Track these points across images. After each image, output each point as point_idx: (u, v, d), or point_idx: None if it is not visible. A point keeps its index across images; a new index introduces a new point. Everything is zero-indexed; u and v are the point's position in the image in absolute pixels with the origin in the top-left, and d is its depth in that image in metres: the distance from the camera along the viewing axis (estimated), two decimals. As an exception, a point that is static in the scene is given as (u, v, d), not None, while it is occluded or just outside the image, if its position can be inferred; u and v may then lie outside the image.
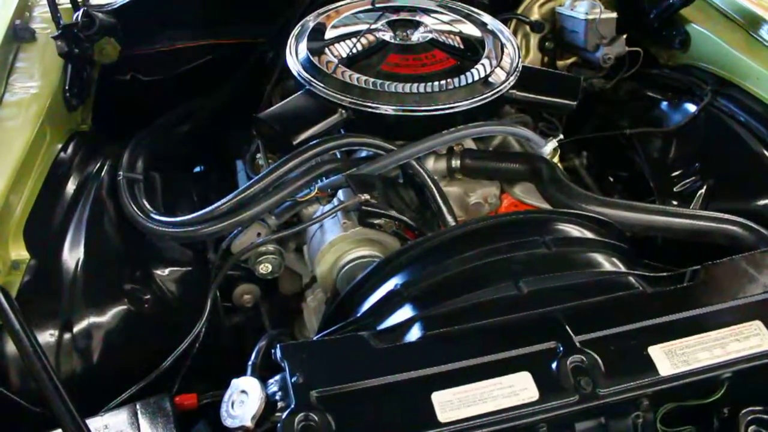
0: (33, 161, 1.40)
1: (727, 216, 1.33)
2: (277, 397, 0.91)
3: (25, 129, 1.41)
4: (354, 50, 1.52)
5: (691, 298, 1.05)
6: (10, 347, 1.15)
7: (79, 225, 1.41)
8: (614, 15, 1.84)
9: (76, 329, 1.29)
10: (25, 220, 1.32)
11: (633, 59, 1.88)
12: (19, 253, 1.28)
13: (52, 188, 1.42)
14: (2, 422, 1.16)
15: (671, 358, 0.95)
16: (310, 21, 1.64)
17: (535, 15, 1.99)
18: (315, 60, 1.49)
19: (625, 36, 1.85)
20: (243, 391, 0.92)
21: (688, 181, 1.66)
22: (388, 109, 1.41)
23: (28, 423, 1.12)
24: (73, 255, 1.36)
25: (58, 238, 1.37)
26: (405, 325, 1.01)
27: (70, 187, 1.46)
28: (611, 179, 1.86)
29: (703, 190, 1.60)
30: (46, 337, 1.25)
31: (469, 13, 1.70)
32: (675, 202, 1.64)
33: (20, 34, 1.66)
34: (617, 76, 1.91)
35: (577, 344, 0.94)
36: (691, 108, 1.74)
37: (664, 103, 1.83)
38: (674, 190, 1.66)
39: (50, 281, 1.31)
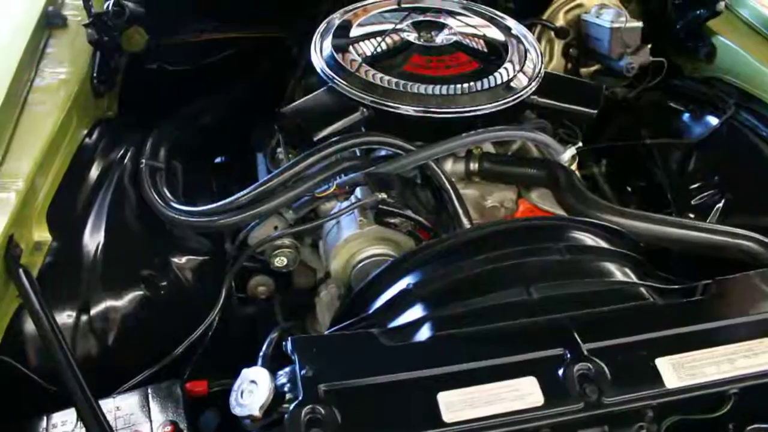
0: (59, 146, 1.43)
1: (743, 231, 1.32)
2: (286, 389, 0.93)
3: (52, 114, 1.44)
4: (378, 49, 1.53)
5: (701, 311, 1.05)
6: (30, 326, 1.18)
7: (101, 210, 1.43)
8: (639, 24, 1.83)
9: (93, 311, 1.31)
10: (49, 203, 1.34)
11: (657, 69, 1.88)
12: (42, 234, 1.31)
13: (76, 173, 1.44)
14: (19, 398, 1.19)
15: (678, 371, 0.95)
16: (336, 18, 1.65)
17: (560, 21, 1.99)
18: (339, 57, 1.51)
19: (649, 46, 1.84)
20: (252, 381, 0.94)
21: (706, 194, 1.66)
22: (409, 110, 1.42)
23: (43, 400, 1.14)
24: (93, 239, 1.39)
25: (80, 222, 1.40)
26: (415, 325, 1.02)
27: (94, 172, 1.49)
28: (629, 189, 1.85)
29: (721, 204, 1.60)
30: (64, 317, 1.27)
31: (494, 17, 1.71)
32: (692, 215, 1.63)
33: (52, 20, 1.69)
34: (640, 85, 1.90)
35: (585, 352, 0.94)
36: (714, 121, 1.73)
37: (686, 115, 1.82)
38: (692, 202, 1.66)
39: (70, 264, 1.34)
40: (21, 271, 1.17)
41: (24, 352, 1.20)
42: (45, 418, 1.12)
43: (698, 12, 1.87)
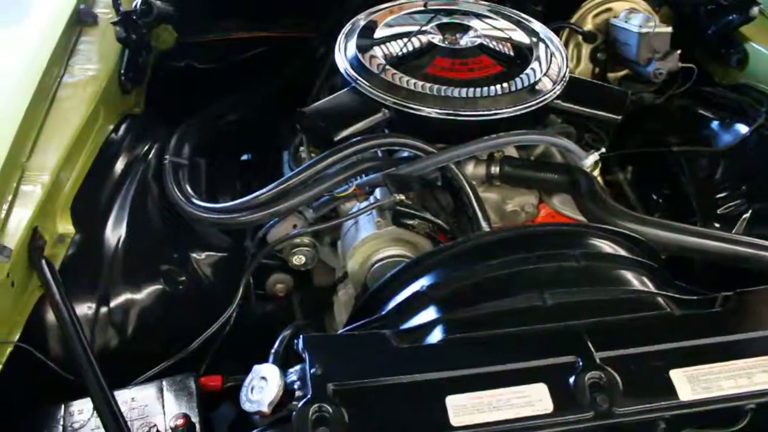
0: (85, 140, 1.45)
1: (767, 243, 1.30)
2: (296, 387, 0.93)
3: (80, 109, 1.46)
4: (402, 51, 1.53)
5: (720, 324, 1.03)
6: (51, 316, 1.20)
7: (124, 204, 1.45)
8: (669, 29, 1.81)
9: (112, 304, 1.34)
10: (74, 196, 1.37)
11: (686, 75, 1.85)
12: (66, 227, 1.33)
13: (101, 167, 1.47)
14: (39, 386, 1.21)
15: (693, 384, 0.93)
16: (361, 19, 1.66)
17: (588, 25, 1.97)
18: (362, 58, 1.51)
19: (679, 51, 1.81)
20: (263, 378, 0.95)
21: (733, 204, 1.63)
22: (431, 112, 1.42)
23: (62, 389, 1.16)
24: (115, 233, 1.41)
25: (103, 216, 1.42)
26: (427, 327, 1.02)
27: (118, 167, 1.51)
28: (654, 197, 1.82)
29: (747, 215, 1.57)
30: (84, 309, 1.30)
31: (521, 20, 1.70)
32: (717, 225, 1.61)
33: (84, 17, 1.72)
34: (669, 91, 1.88)
35: (597, 360, 0.93)
36: (743, 129, 1.70)
37: (715, 123, 1.79)
38: (718, 212, 1.63)
39: (92, 256, 1.36)
40: (44, 262, 1.20)
41: (45, 341, 1.22)
42: (63, 406, 1.14)
43: (731, 17, 1.83)
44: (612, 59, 1.97)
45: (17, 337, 1.15)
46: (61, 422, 1.11)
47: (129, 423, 1.05)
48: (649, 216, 1.43)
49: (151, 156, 1.58)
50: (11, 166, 1.26)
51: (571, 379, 0.91)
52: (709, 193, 1.67)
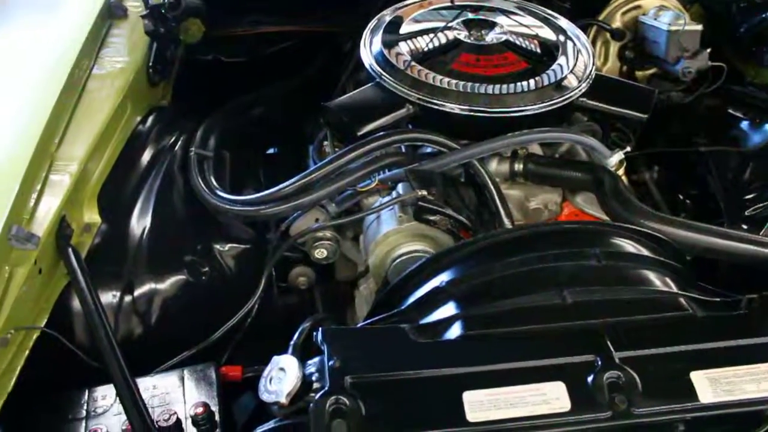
0: (113, 132, 1.47)
1: None
2: (314, 378, 0.94)
3: (108, 101, 1.49)
4: (427, 47, 1.53)
5: (743, 326, 1.02)
6: (76, 303, 1.22)
7: (149, 195, 1.47)
8: (699, 27, 1.78)
9: (136, 293, 1.35)
10: (101, 186, 1.39)
11: (716, 74, 1.82)
12: (92, 216, 1.35)
13: (127, 158, 1.49)
14: (64, 371, 1.23)
15: (714, 386, 0.92)
16: (387, 15, 1.66)
17: (617, 23, 1.95)
18: (388, 54, 1.51)
19: (709, 50, 1.78)
20: (282, 369, 0.96)
21: (761, 205, 1.60)
22: (455, 108, 1.41)
23: (86, 375, 1.18)
24: (140, 223, 1.43)
25: (129, 206, 1.44)
26: (446, 323, 1.02)
27: (145, 158, 1.53)
28: (681, 197, 1.80)
29: (775, 217, 1.55)
30: (109, 297, 1.32)
31: (548, 17, 1.69)
32: (745, 227, 1.58)
33: (114, 10, 1.75)
34: (698, 90, 1.85)
35: (617, 360, 0.92)
36: (774, 130, 1.67)
37: (745, 123, 1.76)
38: (745, 213, 1.60)
39: (117, 246, 1.38)
40: (70, 250, 1.22)
41: (70, 327, 1.24)
42: (87, 391, 1.16)
43: (764, 16, 1.80)
44: (640, 57, 1.94)
45: (44, 323, 1.18)
46: (85, 407, 1.13)
47: (150, 410, 1.06)
48: (675, 216, 1.40)
49: (177, 148, 1.60)
50: (41, 155, 1.29)
51: (590, 378, 0.91)
52: (736, 195, 1.64)
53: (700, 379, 0.92)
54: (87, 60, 1.57)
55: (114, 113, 1.47)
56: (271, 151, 2.07)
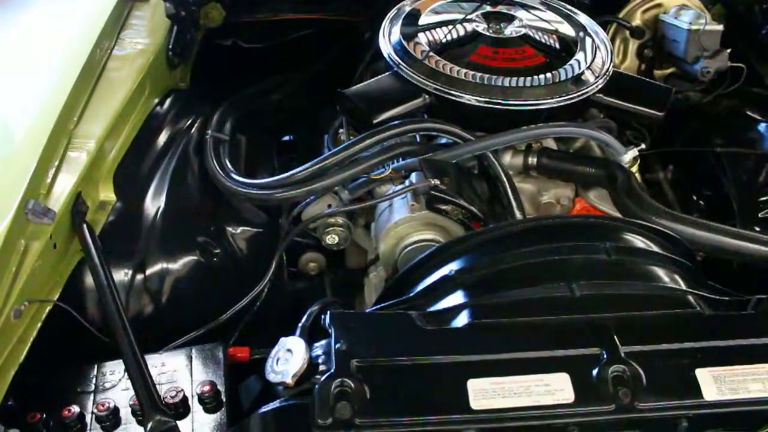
0: (130, 112, 1.49)
1: None
2: (320, 361, 0.95)
3: (127, 81, 1.50)
4: (446, 38, 1.53)
5: (750, 326, 1.01)
6: (89, 279, 1.23)
7: (164, 176, 1.49)
8: (720, 27, 1.76)
9: (148, 272, 1.37)
10: (117, 165, 1.40)
11: (735, 75, 1.81)
12: (108, 194, 1.37)
13: (144, 138, 1.50)
14: (75, 345, 1.25)
15: (719, 384, 0.92)
16: (407, 5, 1.66)
17: (637, 20, 1.94)
18: (406, 44, 1.52)
19: (728, 50, 1.77)
20: (289, 350, 0.97)
21: (775, 207, 1.59)
22: (471, 100, 1.41)
23: (96, 350, 1.20)
24: (154, 203, 1.44)
25: (144, 186, 1.45)
26: (453, 311, 1.02)
27: (161, 139, 1.54)
28: (694, 197, 1.79)
29: (790, 220, 1.54)
30: (121, 275, 1.33)
31: (568, 12, 1.68)
32: (758, 228, 1.57)
33: (136, -8, 1.77)
34: (716, 91, 1.84)
35: (622, 354, 0.92)
36: (792, 133, 1.66)
37: (763, 125, 1.75)
38: (759, 215, 1.60)
39: (131, 224, 1.39)
40: (85, 227, 1.23)
41: (82, 303, 1.26)
42: (96, 366, 1.17)
43: (787, 19, 1.79)
44: (659, 56, 1.94)
45: (57, 296, 1.19)
46: (94, 381, 1.14)
47: (157, 386, 1.07)
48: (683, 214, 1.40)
49: (193, 130, 1.62)
50: (59, 132, 1.30)
51: (595, 371, 0.91)
52: (751, 196, 1.63)
53: (704, 376, 0.92)
54: (108, 40, 1.59)
55: (133, 94, 1.48)
56: (286, 137, 2.08)
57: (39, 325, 1.13)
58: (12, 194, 1.14)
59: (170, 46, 1.68)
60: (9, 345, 1.07)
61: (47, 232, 1.16)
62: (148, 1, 1.78)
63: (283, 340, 0.99)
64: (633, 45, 1.96)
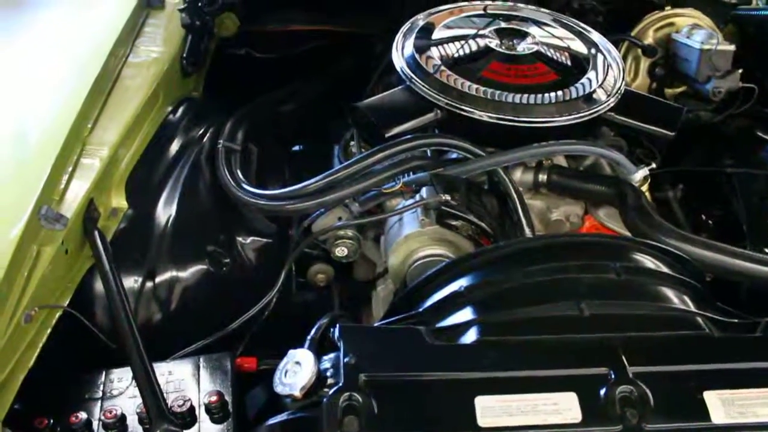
0: (144, 119, 1.50)
1: None
2: (328, 374, 0.96)
3: (141, 89, 1.51)
4: (458, 53, 1.54)
5: (760, 349, 1.01)
6: (99, 286, 1.24)
7: (176, 184, 1.49)
8: (731, 48, 1.77)
9: (158, 280, 1.38)
10: (129, 172, 1.41)
11: (746, 96, 1.81)
12: (119, 202, 1.37)
13: (157, 146, 1.51)
14: (83, 351, 1.25)
15: (727, 408, 0.91)
16: (420, 19, 1.67)
17: (649, 39, 1.94)
18: (419, 58, 1.52)
19: (740, 71, 1.78)
20: (297, 362, 0.97)
21: (785, 230, 1.59)
22: (483, 116, 1.42)
23: (104, 356, 1.20)
24: (165, 211, 1.45)
25: (155, 194, 1.46)
26: (462, 327, 1.02)
27: (174, 147, 1.55)
28: (704, 217, 1.79)
29: (801, 242, 1.53)
30: (130, 282, 1.34)
31: (580, 29, 1.69)
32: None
33: (152, 1, 1.78)
34: (727, 111, 1.84)
35: (630, 375, 0.92)
36: (803, 154, 1.66)
37: (774, 145, 1.75)
38: None
39: (142, 232, 1.40)
40: (97, 233, 1.24)
41: (91, 309, 1.26)
42: (104, 372, 1.17)
43: (798, 40, 1.79)
44: (670, 75, 1.94)
45: (67, 302, 1.19)
46: (101, 388, 1.15)
47: (165, 395, 1.08)
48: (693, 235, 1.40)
49: (205, 139, 1.62)
50: (74, 139, 1.31)
51: (602, 391, 0.91)
52: (761, 217, 1.63)
53: (712, 399, 0.92)
54: (123, 48, 1.60)
55: (146, 101, 1.50)
56: (296, 148, 2.09)
57: (49, 330, 1.13)
58: (25, 200, 1.15)
59: (184, 55, 1.70)
60: (19, 350, 1.07)
61: (59, 237, 1.17)
62: (163, 9, 1.80)
63: (291, 352, 0.99)
64: (644, 63, 1.97)
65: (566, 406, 0.90)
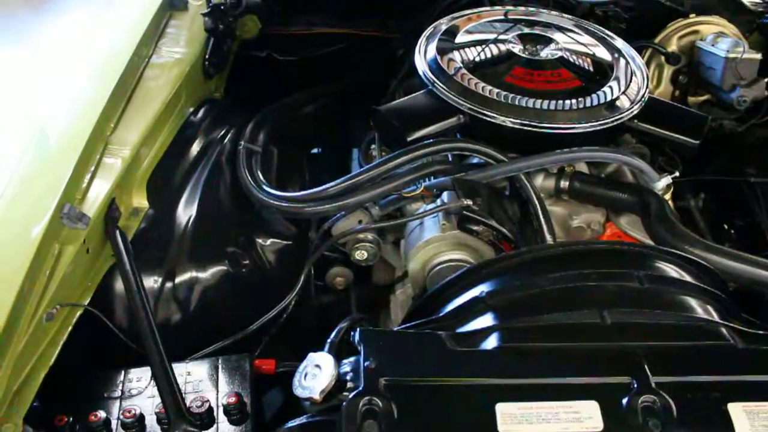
0: (166, 120, 1.51)
1: None
2: (348, 378, 0.95)
3: (163, 90, 1.52)
4: (481, 58, 1.54)
5: (785, 361, 1.00)
6: (119, 285, 1.25)
7: (197, 185, 1.50)
8: (758, 56, 1.75)
9: (177, 280, 1.38)
10: (150, 172, 1.42)
11: None
12: (141, 201, 1.38)
13: (178, 147, 1.52)
14: (103, 350, 1.26)
15: (752, 420, 0.90)
16: (444, 23, 1.66)
17: (672, 46, 1.93)
18: (441, 62, 1.52)
19: (766, 80, 1.76)
20: (317, 366, 0.96)
21: (808, 240, 1.57)
22: (506, 121, 1.41)
23: (124, 355, 1.21)
24: (186, 211, 1.45)
25: (176, 194, 1.47)
26: (483, 333, 1.01)
27: (195, 148, 1.56)
28: (726, 226, 1.77)
29: (824, 252, 1.51)
30: (150, 282, 1.34)
31: (604, 36, 1.68)
32: (791, 261, 1.55)
33: (175, 2, 1.79)
34: (751, 120, 1.82)
35: (653, 384, 0.91)
36: (828, 165, 1.64)
37: (798, 157, 1.73)
38: None
39: (162, 232, 1.41)
40: (118, 233, 1.25)
41: (112, 308, 1.27)
42: (123, 371, 1.18)
43: (826, 49, 1.77)
44: (694, 83, 1.92)
45: (87, 301, 1.20)
46: (120, 387, 1.15)
47: (183, 395, 1.08)
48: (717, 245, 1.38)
49: (226, 140, 1.63)
50: (96, 138, 1.32)
51: (624, 400, 0.90)
52: (784, 228, 1.61)
53: (737, 411, 0.91)
54: (146, 49, 1.61)
55: (168, 102, 1.50)
56: (315, 150, 2.10)
57: (69, 329, 1.14)
58: (48, 198, 1.15)
59: (206, 57, 1.71)
60: (40, 347, 1.08)
61: (81, 236, 1.18)
62: (187, 10, 1.81)
63: (311, 355, 0.99)
64: (668, 71, 1.95)
65: (587, 415, 0.89)
